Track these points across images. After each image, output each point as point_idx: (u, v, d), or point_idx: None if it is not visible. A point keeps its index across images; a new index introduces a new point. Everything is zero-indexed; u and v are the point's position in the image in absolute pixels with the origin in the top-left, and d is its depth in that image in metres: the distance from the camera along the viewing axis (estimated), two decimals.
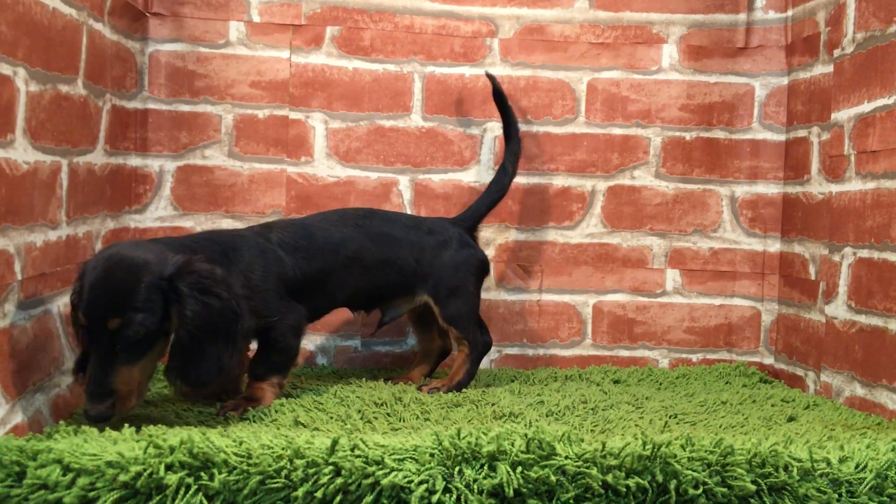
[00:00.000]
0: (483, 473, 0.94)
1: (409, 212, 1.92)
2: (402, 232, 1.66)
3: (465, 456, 0.95)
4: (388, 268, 1.63)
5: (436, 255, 1.67)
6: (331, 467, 0.93)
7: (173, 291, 1.25)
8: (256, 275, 1.44)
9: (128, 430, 1.09)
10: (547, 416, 1.44)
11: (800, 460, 0.99)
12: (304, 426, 1.32)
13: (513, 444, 0.96)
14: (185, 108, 1.86)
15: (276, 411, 1.41)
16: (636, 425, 1.39)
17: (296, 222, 1.59)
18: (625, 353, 1.97)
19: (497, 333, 1.94)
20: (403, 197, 1.92)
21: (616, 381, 1.79)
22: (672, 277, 1.97)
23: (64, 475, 0.91)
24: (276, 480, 0.92)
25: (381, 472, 0.93)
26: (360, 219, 1.64)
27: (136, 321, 1.22)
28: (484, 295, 1.94)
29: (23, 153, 1.26)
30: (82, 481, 0.91)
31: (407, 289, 1.66)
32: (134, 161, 1.82)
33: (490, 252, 1.94)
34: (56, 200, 1.39)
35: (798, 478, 0.98)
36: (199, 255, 1.32)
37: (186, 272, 1.26)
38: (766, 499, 0.97)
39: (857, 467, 1.00)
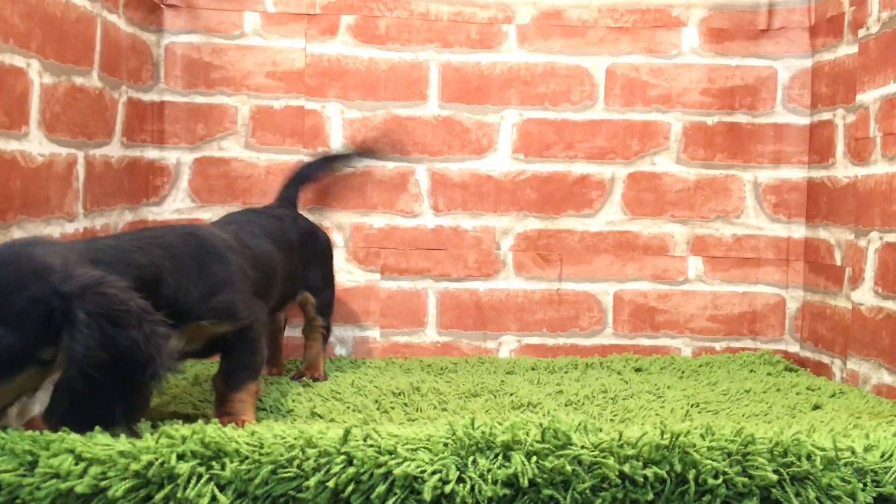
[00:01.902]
0: (497, 463, 0.92)
1: (427, 202, 1.90)
2: (292, 233, 1.55)
3: (480, 446, 0.93)
4: (292, 273, 1.52)
5: (304, 248, 1.58)
6: (343, 457, 0.92)
7: (66, 314, 0.94)
8: (235, 272, 1.23)
9: (142, 423, 1.09)
10: (566, 405, 1.43)
11: (823, 449, 0.96)
12: (321, 417, 1.32)
13: (528, 434, 0.94)
14: (202, 99, 1.86)
15: (294, 401, 1.41)
16: (657, 414, 1.36)
17: (225, 228, 1.38)
18: (646, 342, 1.94)
19: (516, 322, 1.92)
20: (421, 186, 1.90)
21: (637, 370, 1.77)
22: (694, 265, 1.94)
23: (76, 464, 0.91)
24: (287, 470, 0.91)
25: (393, 462, 0.91)
26: (265, 221, 1.50)
27: None
28: (503, 285, 1.92)
29: (38, 145, 1.26)
30: (94, 470, 0.90)
31: (297, 290, 1.58)
32: (151, 153, 1.82)
33: (509, 241, 1.92)
34: (72, 193, 1.40)
35: (821, 467, 0.95)
36: (119, 276, 1.02)
37: (94, 293, 0.96)
38: (788, 488, 0.94)
39: (882, 456, 0.98)
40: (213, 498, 0.89)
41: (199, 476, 0.90)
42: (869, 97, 1.64)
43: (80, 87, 1.42)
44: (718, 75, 1.92)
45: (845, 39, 1.75)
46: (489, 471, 0.92)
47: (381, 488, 0.90)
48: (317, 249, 1.65)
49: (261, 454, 0.92)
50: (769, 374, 1.74)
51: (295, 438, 0.93)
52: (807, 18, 1.90)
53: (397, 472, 0.91)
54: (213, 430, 0.93)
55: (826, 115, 1.83)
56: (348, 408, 1.37)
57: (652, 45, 1.92)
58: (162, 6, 1.82)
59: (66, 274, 0.96)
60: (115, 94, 1.59)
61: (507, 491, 0.91)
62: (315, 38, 1.88)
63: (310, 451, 0.92)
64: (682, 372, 1.74)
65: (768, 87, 1.92)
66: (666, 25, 1.92)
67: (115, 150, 1.60)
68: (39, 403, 1.24)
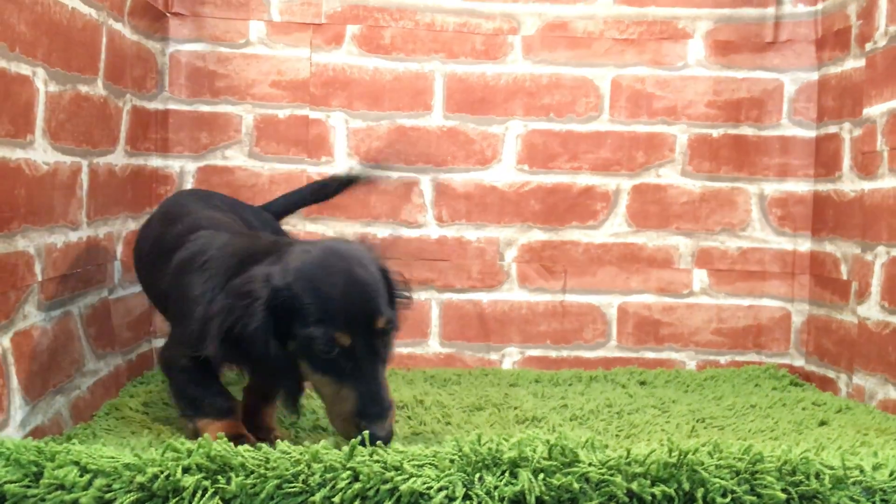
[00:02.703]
0: (504, 480, 0.91)
1: (431, 212, 1.90)
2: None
3: (486, 462, 0.93)
4: None
5: None
6: (349, 472, 0.91)
7: (388, 278, 1.15)
8: None
9: (146, 437, 1.08)
10: (571, 420, 1.42)
11: (832, 468, 0.95)
12: (324, 430, 1.31)
13: (535, 451, 0.93)
14: (206, 108, 1.85)
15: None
16: (662, 430, 1.36)
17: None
18: (651, 355, 1.93)
19: (520, 334, 1.92)
20: (425, 196, 1.90)
21: (642, 383, 1.76)
22: (699, 278, 1.94)
23: (81, 476, 0.90)
24: (293, 485, 0.91)
25: (399, 478, 0.91)
26: (255, 214, 1.48)
27: (394, 316, 1.12)
28: (507, 296, 1.92)
29: (42, 154, 1.26)
30: (99, 482, 0.90)
31: None
32: (155, 162, 1.82)
33: (513, 252, 1.92)
34: (76, 201, 1.39)
35: (830, 486, 0.94)
36: None
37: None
38: None
39: (891, 475, 0.97)
40: None
41: (205, 490, 0.89)
42: (876, 111, 1.64)
43: (85, 96, 1.42)
44: (724, 88, 1.92)
45: (852, 53, 1.75)
46: (496, 488, 0.91)
47: None
48: None
49: (266, 469, 0.91)
50: (774, 388, 1.73)
51: (301, 453, 0.92)
52: (813, 31, 1.90)
53: (403, 488, 0.90)
54: (218, 444, 0.93)
55: (832, 129, 1.83)
56: None
57: (658, 57, 1.92)
58: (167, 15, 1.82)
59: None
60: (119, 102, 1.59)
61: None
62: (320, 47, 1.88)
63: (315, 466, 0.91)
64: (687, 386, 1.73)
65: (774, 99, 1.92)
66: (672, 37, 1.92)
67: (119, 158, 1.59)
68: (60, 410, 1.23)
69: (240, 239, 1.24)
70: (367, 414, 1.04)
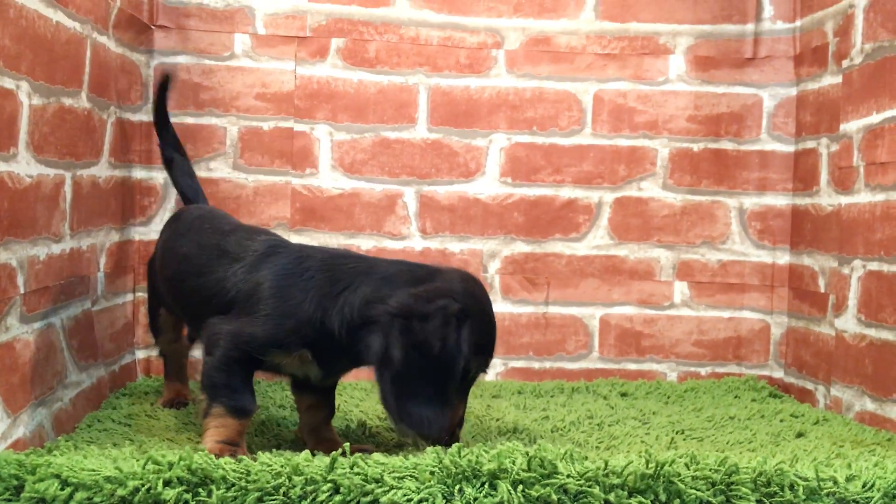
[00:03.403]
0: (484, 492, 0.92)
1: (415, 224, 1.91)
2: None
3: (466, 474, 0.94)
4: None
5: None
6: (329, 485, 0.92)
7: None
8: None
9: (128, 449, 1.08)
10: (552, 431, 1.43)
11: (806, 479, 0.97)
12: (306, 441, 1.31)
13: (514, 463, 0.94)
14: (191, 120, 1.86)
15: (279, 425, 1.41)
16: (642, 441, 1.37)
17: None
18: (632, 367, 1.95)
19: (503, 346, 1.93)
20: (409, 209, 1.91)
21: (623, 395, 1.77)
22: (680, 290, 1.96)
23: (62, 489, 0.91)
24: (274, 497, 0.91)
25: (380, 490, 0.92)
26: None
27: None
28: None
29: (26, 166, 1.26)
30: (80, 496, 0.90)
31: None
32: (139, 173, 1.82)
33: (496, 264, 1.93)
34: (59, 214, 1.39)
35: (804, 497, 0.96)
36: None
37: None
38: None
39: (864, 486, 0.99)
40: None
41: (186, 502, 0.90)
42: (852, 127, 1.66)
43: (69, 108, 1.42)
44: (704, 102, 1.95)
45: (829, 69, 1.78)
46: (475, 499, 0.92)
47: None
48: None
49: (247, 481, 0.92)
50: (754, 400, 1.75)
51: (282, 466, 0.93)
52: (792, 48, 1.93)
53: (384, 500, 0.91)
54: (199, 457, 0.93)
55: (810, 144, 1.86)
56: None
57: (639, 72, 1.94)
58: (152, 27, 1.83)
59: None
60: (103, 114, 1.59)
61: None
62: (305, 60, 1.89)
63: (296, 479, 0.92)
64: (668, 397, 1.75)
65: (754, 114, 1.94)
66: (653, 53, 1.94)
67: (102, 170, 1.60)
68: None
69: (335, 252, 1.34)
70: (462, 424, 1.22)
